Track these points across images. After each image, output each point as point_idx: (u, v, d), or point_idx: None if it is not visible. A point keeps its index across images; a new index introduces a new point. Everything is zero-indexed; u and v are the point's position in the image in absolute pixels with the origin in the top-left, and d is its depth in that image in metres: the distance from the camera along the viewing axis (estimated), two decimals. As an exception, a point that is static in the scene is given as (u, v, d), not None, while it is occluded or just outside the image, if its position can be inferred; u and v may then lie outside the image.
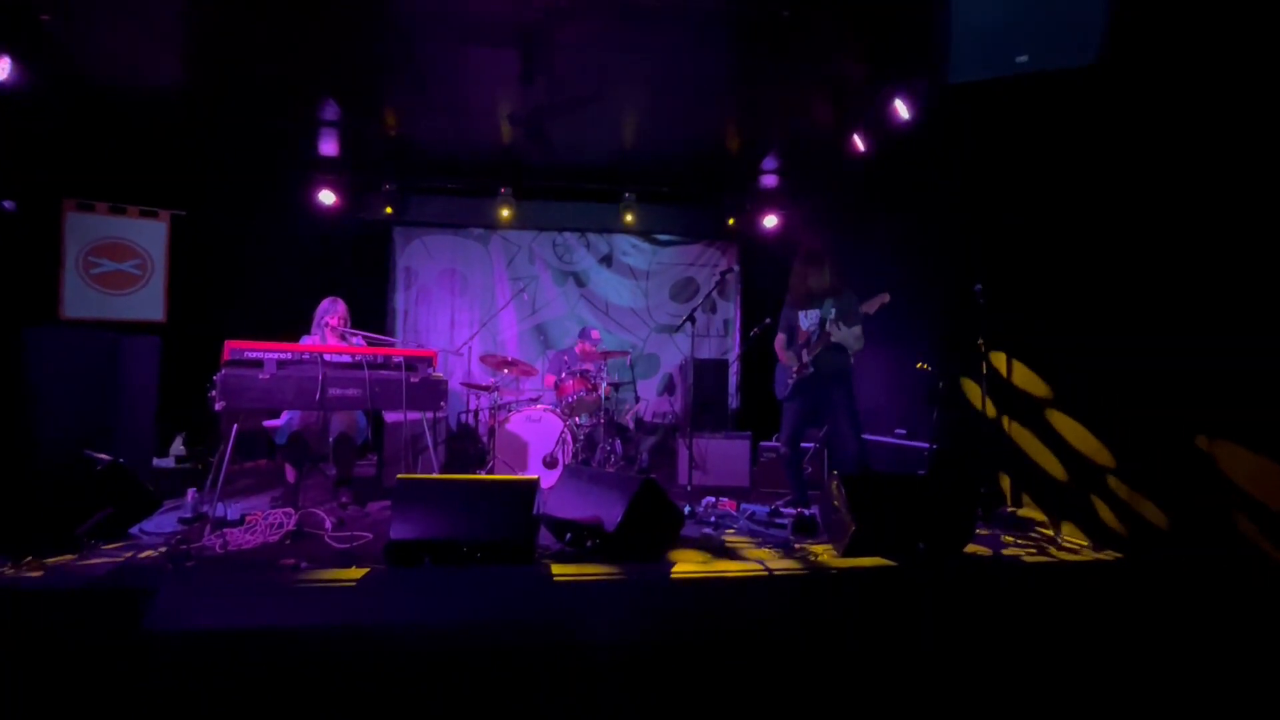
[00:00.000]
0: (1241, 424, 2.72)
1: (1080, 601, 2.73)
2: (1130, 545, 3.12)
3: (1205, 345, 2.83)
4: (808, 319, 3.87)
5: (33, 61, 4.00)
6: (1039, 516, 3.72)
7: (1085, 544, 3.29)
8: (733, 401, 6.94)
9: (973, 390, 4.17)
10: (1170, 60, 2.98)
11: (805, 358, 3.80)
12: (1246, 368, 2.69)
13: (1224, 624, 2.49)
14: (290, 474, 3.88)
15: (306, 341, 3.99)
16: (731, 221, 6.76)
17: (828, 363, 3.77)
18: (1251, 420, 2.68)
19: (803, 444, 4.04)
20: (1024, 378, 3.89)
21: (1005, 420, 3.96)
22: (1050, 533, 3.50)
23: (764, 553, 3.12)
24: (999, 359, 4.01)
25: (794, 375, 3.85)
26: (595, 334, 5.55)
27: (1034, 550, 3.21)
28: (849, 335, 3.69)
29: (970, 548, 3.11)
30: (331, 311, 4.03)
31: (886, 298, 3.70)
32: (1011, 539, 3.41)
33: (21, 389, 3.70)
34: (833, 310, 3.73)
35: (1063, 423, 3.58)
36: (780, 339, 4.01)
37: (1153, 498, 3.06)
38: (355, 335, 4.10)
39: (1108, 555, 3.12)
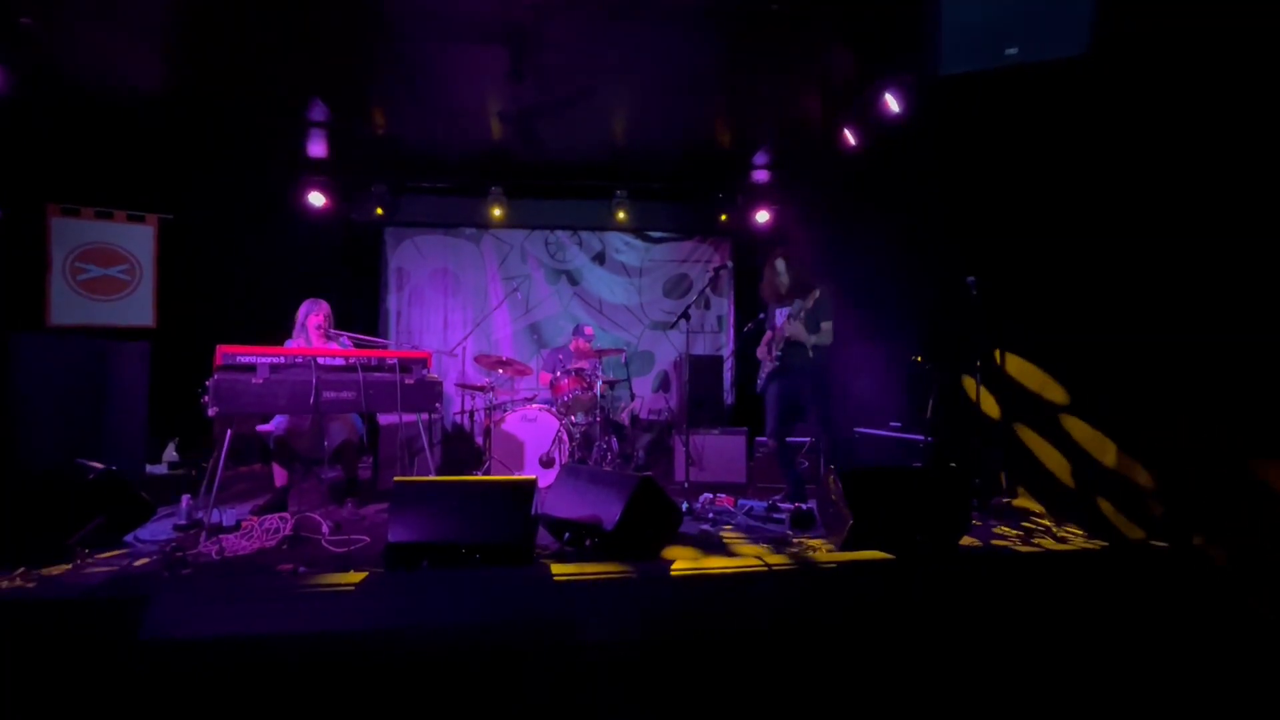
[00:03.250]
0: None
1: (1077, 590, 2.75)
2: (1127, 535, 3.15)
3: (1196, 335, 2.86)
4: (781, 316, 3.96)
5: (13, 65, 3.94)
6: (1034, 506, 3.75)
7: (1081, 533, 3.32)
8: (728, 397, 6.94)
9: (968, 383, 4.19)
10: (1159, 48, 2.99)
11: (773, 352, 3.91)
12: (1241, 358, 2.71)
13: (1219, 615, 2.52)
14: (280, 477, 3.85)
15: (289, 345, 3.96)
16: (724, 217, 6.75)
17: (792, 358, 3.86)
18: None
19: (793, 439, 4.07)
20: (1018, 369, 3.91)
21: (999, 411, 3.98)
22: (1047, 522, 3.52)
23: (762, 548, 3.13)
24: (993, 350, 4.03)
25: (765, 369, 3.98)
26: (589, 330, 5.54)
27: (1029, 540, 3.23)
28: (800, 329, 3.77)
29: (966, 539, 3.13)
30: (314, 312, 3.99)
31: (818, 293, 3.73)
32: (1007, 529, 3.44)
33: (9, 398, 3.65)
34: (801, 308, 3.80)
35: (1058, 413, 3.61)
36: (767, 335, 4.10)
37: (1152, 488, 3.09)
38: (341, 336, 4.07)
39: (1103, 544, 3.14)
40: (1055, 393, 3.66)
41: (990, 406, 4.03)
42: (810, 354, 3.81)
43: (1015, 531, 3.39)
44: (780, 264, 3.96)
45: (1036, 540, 3.23)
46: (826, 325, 3.78)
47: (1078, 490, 3.46)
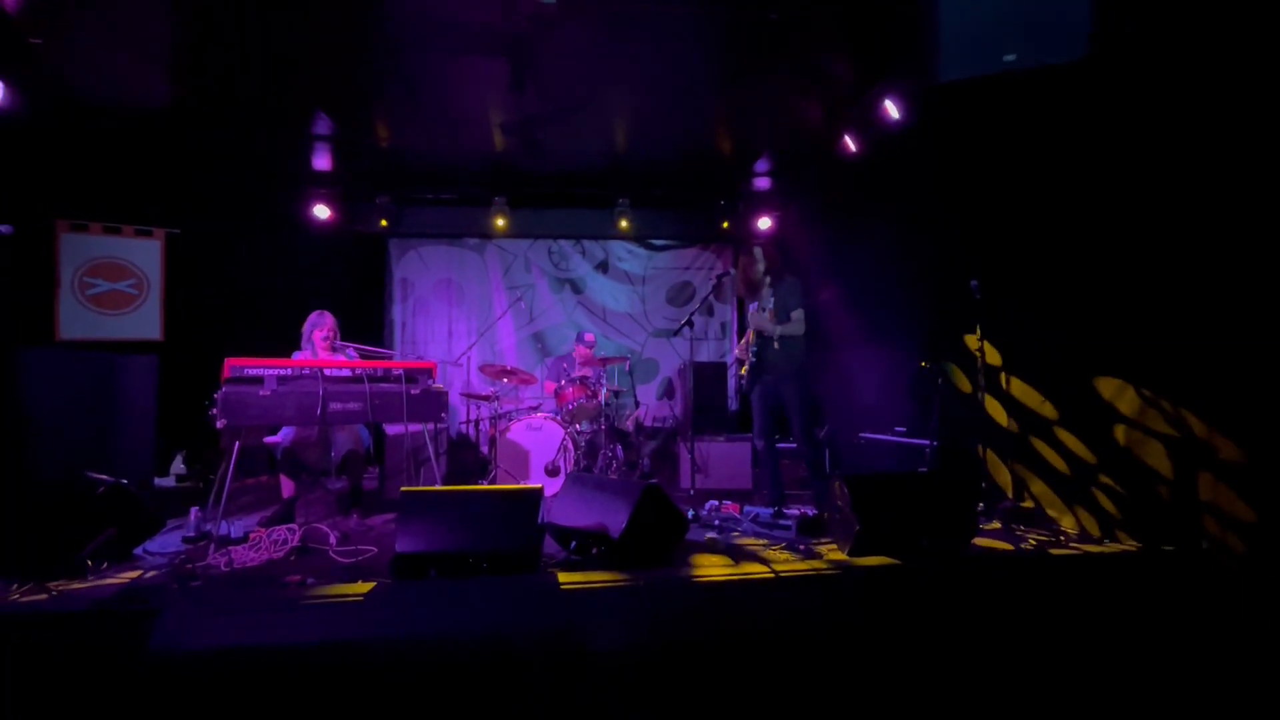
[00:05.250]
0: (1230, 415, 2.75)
1: (1084, 592, 2.74)
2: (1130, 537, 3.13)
3: (1198, 340, 2.85)
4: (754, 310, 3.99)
5: (24, 84, 3.99)
6: (1040, 509, 3.74)
7: (1088, 535, 3.31)
8: (732, 404, 6.94)
9: (967, 384, 4.18)
10: (1156, 52, 3.01)
11: (749, 349, 3.92)
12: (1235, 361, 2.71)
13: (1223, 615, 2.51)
14: (287, 489, 3.86)
15: (299, 357, 3.99)
16: (726, 224, 6.78)
17: (767, 355, 3.85)
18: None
19: (782, 444, 4.05)
20: (1020, 372, 3.90)
21: (1004, 414, 3.98)
22: (1054, 524, 3.51)
23: (769, 554, 3.13)
24: (994, 353, 4.03)
25: (746, 366, 3.98)
26: (590, 337, 5.54)
27: (1036, 543, 3.23)
28: (764, 320, 3.79)
29: (975, 541, 3.12)
30: (319, 325, 4.03)
31: (786, 281, 3.86)
32: (1015, 531, 3.43)
33: (19, 412, 3.68)
34: (770, 300, 3.82)
35: (1055, 413, 3.60)
36: (746, 335, 4.13)
37: (1144, 491, 3.08)
38: (347, 347, 4.09)
39: (1111, 547, 3.13)
40: (1049, 400, 3.65)
41: (996, 410, 4.02)
42: (777, 346, 3.78)
43: (1022, 534, 3.38)
44: (757, 251, 3.98)
45: (1043, 543, 3.22)
46: (797, 314, 3.76)
47: (1080, 490, 3.44)
